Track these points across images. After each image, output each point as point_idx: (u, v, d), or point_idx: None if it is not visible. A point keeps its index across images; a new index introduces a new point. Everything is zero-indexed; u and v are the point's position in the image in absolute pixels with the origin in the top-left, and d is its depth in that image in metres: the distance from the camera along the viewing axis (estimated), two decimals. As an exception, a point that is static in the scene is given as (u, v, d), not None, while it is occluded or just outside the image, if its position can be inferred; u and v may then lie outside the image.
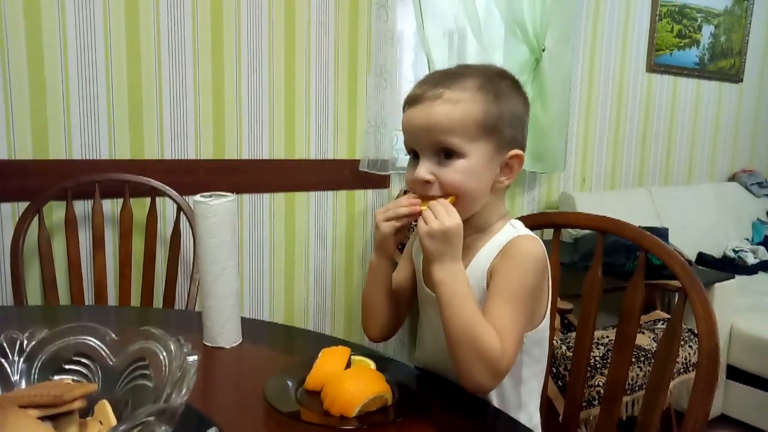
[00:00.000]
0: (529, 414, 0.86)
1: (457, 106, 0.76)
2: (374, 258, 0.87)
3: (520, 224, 0.84)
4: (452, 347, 0.73)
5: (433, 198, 0.78)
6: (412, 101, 0.79)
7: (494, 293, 0.76)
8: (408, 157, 0.83)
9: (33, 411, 0.51)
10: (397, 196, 2.07)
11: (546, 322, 0.84)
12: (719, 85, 3.20)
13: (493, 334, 0.71)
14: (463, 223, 0.82)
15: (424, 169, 0.78)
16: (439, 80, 0.78)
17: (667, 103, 2.98)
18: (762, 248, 2.92)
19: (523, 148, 0.82)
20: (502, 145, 0.79)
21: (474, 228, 0.83)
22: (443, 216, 0.74)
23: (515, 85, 0.82)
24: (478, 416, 0.72)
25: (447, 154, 0.77)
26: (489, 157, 0.78)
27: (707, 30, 3.05)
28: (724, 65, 3.18)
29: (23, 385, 0.60)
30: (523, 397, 0.85)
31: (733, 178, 3.35)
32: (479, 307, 0.76)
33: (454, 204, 0.77)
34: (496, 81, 0.79)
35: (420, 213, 0.76)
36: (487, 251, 0.81)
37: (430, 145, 0.77)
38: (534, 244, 0.79)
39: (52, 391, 0.52)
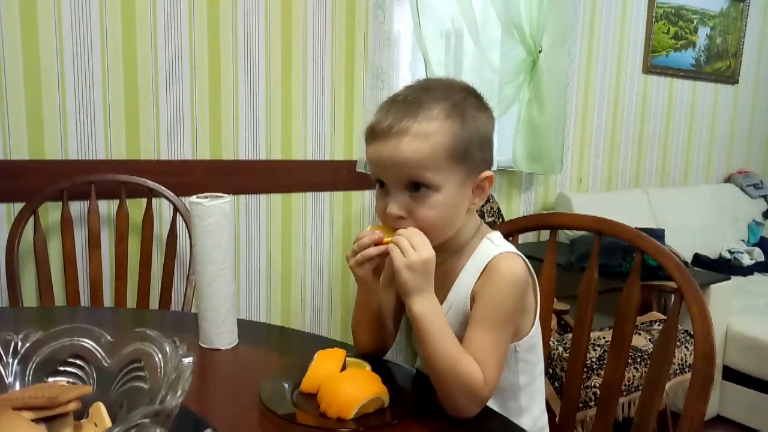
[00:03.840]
0: (533, 417, 0.86)
1: (427, 141, 0.73)
2: (361, 296, 0.84)
3: (498, 237, 0.82)
4: (435, 380, 0.72)
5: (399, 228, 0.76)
6: (377, 135, 0.75)
7: (476, 320, 0.75)
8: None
9: (27, 413, 0.50)
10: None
11: (536, 327, 0.83)
12: (715, 87, 3.21)
13: (474, 365, 0.71)
14: (438, 247, 0.80)
15: (396, 206, 0.75)
16: (404, 111, 0.74)
17: (663, 105, 2.99)
18: (757, 249, 2.93)
19: (491, 166, 0.81)
20: (473, 169, 0.77)
21: (450, 250, 0.82)
22: (420, 246, 0.71)
23: (479, 102, 0.79)
24: (474, 417, 0.72)
25: (418, 187, 0.74)
26: (461, 185, 0.76)
27: (703, 32, 3.06)
28: (720, 67, 3.19)
29: (17, 387, 0.59)
30: (523, 402, 0.85)
31: (728, 180, 3.37)
32: (462, 331, 0.76)
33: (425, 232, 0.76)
34: (461, 104, 0.76)
35: (387, 247, 0.73)
36: (468, 273, 0.79)
37: (401, 180, 0.75)
38: (514, 263, 0.77)
39: (46, 393, 0.52)
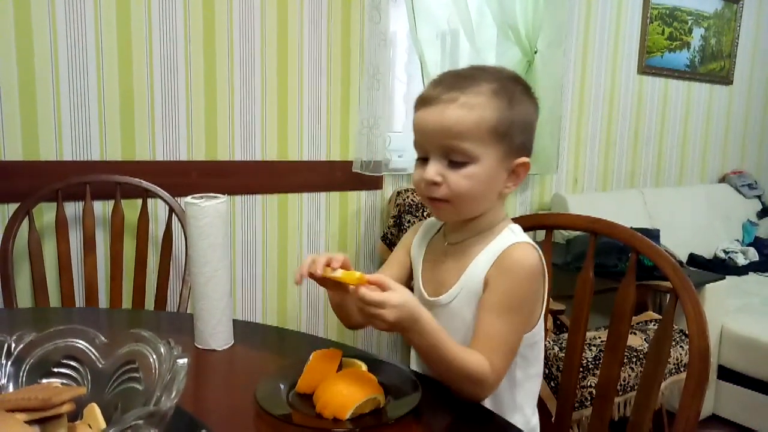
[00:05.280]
0: (526, 416, 0.86)
1: (472, 112, 0.76)
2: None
3: (518, 228, 0.85)
4: (442, 379, 0.75)
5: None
6: (425, 102, 0.79)
7: (488, 306, 0.77)
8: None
9: (20, 415, 0.50)
10: (390, 199, 2.07)
11: (540, 325, 0.84)
12: (710, 87, 3.23)
13: (476, 356, 0.73)
14: (463, 225, 0.84)
15: (434, 171, 0.78)
16: (454, 83, 0.78)
17: (658, 105, 3.00)
18: (752, 249, 2.94)
19: (530, 154, 0.83)
20: (511, 151, 0.79)
21: (474, 231, 0.84)
22: (386, 301, 0.69)
23: (527, 90, 0.82)
24: (470, 418, 0.72)
25: (457, 157, 0.77)
26: (498, 163, 0.79)
27: (698, 32, 3.08)
28: (714, 67, 3.21)
29: (11, 388, 0.59)
30: (518, 399, 0.85)
31: (723, 180, 3.38)
32: (472, 312, 0.78)
33: (454, 202, 0.78)
34: (510, 86, 0.79)
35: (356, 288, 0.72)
36: (485, 256, 0.81)
37: (441, 148, 0.77)
38: (530, 253, 0.79)
39: (40, 395, 0.51)
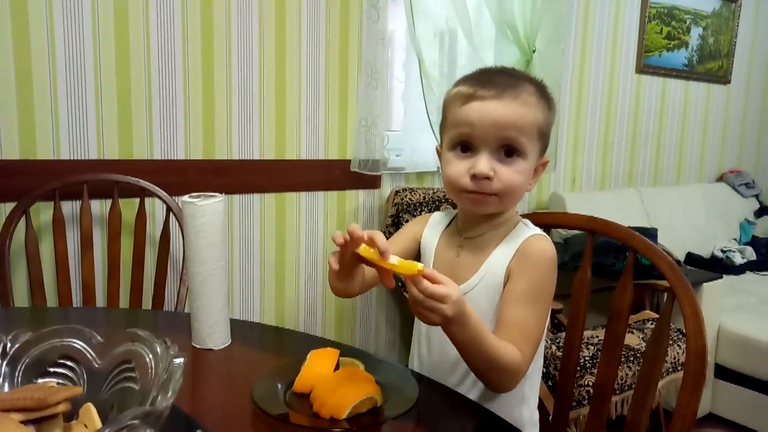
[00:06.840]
0: (531, 409, 0.88)
1: (531, 110, 0.79)
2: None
3: (530, 222, 0.88)
4: (476, 370, 0.76)
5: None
6: (481, 96, 0.79)
7: (516, 296, 0.78)
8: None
9: (16, 415, 0.50)
10: (388, 198, 2.06)
11: (548, 318, 0.86)
12: (707, 87, 3.23)
13: (509, 349, 0.74)
14: (482, 219, 0.86)
15: (487, 165, 0.78)
16: (509, 81, 0.80)
17: (656, 105, 3.00)
18: (749, 248, 2.94)
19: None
20: (542, 151, 0.84)
21: (492, 225, 0.86)
22: (448, 295, 0.67)
23: (551, 95, 0.86)
24: (467, 416, 0.72)
25: (509, 152, 0.79)
26: (535, 161, 0.82)
27: (696, 32, 3.08)
28: (712, 67, 3.21)
29: (6, 388, 0.59)
30: (526, 392, 0.87)
31: (721, 179, 3.38)
32: (491, 302, 0.80)
33: (502, 196, 0.80)
34: (544, 90, 0.84)
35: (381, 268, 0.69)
36: (504, 248, 0.83)
37: (497, 141, 0.79)
38: (548, 244, 0.82)
39: (35, 395, 0.51)
